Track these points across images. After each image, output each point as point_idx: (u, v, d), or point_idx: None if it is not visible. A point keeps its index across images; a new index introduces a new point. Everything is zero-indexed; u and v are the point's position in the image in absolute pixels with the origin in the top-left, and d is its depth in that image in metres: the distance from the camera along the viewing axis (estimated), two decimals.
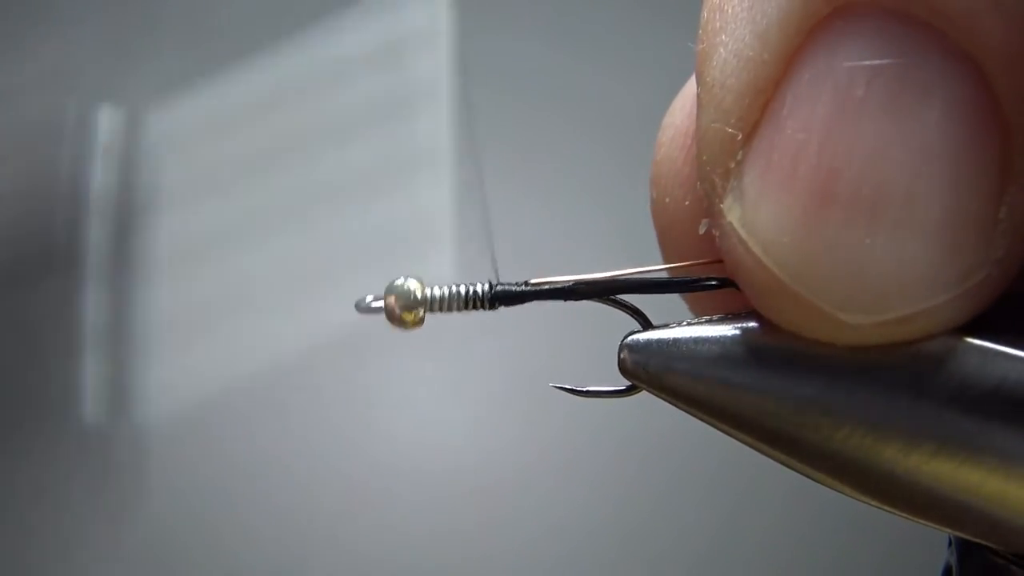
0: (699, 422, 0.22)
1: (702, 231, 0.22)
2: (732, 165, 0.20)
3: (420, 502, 0.82)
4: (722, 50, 0.20)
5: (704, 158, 0.21)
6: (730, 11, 0.20)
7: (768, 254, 0.19)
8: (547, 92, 0.88)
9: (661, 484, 0.82)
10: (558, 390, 0.25)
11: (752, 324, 0.21)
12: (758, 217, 0.19)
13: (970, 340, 0.20)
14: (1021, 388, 0.19)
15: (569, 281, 0.24)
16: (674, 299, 0.24)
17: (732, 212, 0.20)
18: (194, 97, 0.80)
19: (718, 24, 0.20)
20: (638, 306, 0.23)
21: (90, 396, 0.76)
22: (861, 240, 0.19)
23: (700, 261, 0.23)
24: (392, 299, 0.24)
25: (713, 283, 0.23)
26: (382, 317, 0.24)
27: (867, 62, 0.18)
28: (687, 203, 0.25)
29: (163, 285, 0.81)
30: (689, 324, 0.22)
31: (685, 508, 0.81)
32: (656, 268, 0.23)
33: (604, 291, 0.24)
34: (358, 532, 0.81)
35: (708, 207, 0.21)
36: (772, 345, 0.21)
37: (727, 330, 0.22)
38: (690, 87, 0.26)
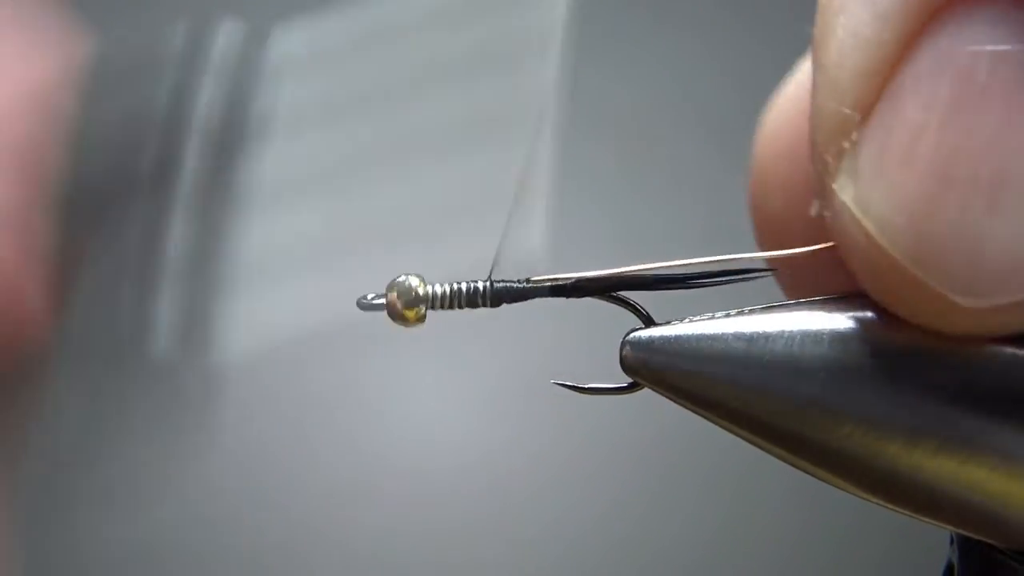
0: (701, 419, 0.22)
1: (813, 213, 0.21)
2: (846, 145, 0.20)
3: (421, 497, 0.82)
4: (840, 31, 0.20)
5: (818, 138, 0.21)
6: None
7: (883, 234, 0.19)
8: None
9: (663, 480, 0.82)
10: (560, 387, 0.25)
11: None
12: (873, 196, 0.19)
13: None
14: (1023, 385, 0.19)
15: (571, 278, 0.24)
16: (676, 296, 0.24)
17: (845, 191, 0.20)
18: (323, 19, 0.78)
19: (836, 5, 0.20)
20: (640, 303, 0.23)
21: (165, 331, 0.76)
22: (980, 222, 0.19)
23: (807, 248, 0.23)
24: (394, 296, 0.24)
25: (722, 277, 0.23)
26: (383, 314, 0.24)
27: (991, 47, 0.18)
28: (789, 206, 0.25)
29: (257, 221, 0.81)
30: (691, 321, 0.22)
31: (686, 505, 0.81)
32: (752, 256, 0.23)
33: (606, 288, 0.23)
34: (356, 525, 0.81)
35: (820, 188, 0.21)
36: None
37: (730, 326, 0.22)
38: (782, 96, 0.26)
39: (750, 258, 0.23)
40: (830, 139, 0.20)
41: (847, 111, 0.20)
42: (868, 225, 0.19)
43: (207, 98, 0.72)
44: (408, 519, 0.82)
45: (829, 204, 0.20)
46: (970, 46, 0.19)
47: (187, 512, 0.80)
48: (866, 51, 0.20)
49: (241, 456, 0.82)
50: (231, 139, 0.72)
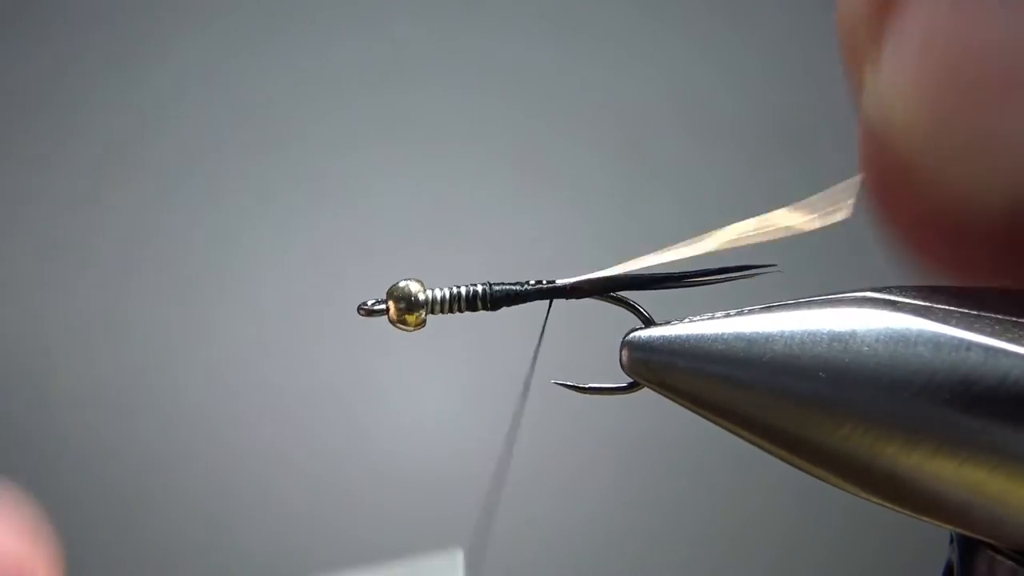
0: (701, 419, 0.22)
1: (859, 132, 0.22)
2: (869, 60, 0.21)
3: (419, 492, 0.82)
4: None
5: (846, 58, 0.21)
6: None
7: (904, 133, 0.20)
8: (545, 90, 0.88)
9: (663, 480, 0.82)
10: (560, 387, 0.25)
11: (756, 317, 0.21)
12: (894, 100, 0.20)
13: (971, 337, 0.20)
14: (1022, 386, 0.19)
15: (569, 279, 0.24)
16: (676, 296, 0.24)
17: (870, 99, 0.21)
18: None
19: None
20: (640, 303, 0.23)
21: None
22: (991, 117, 0.19)
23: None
24: (394, 302, 0.24)
25: (720, 275, 0.23)
26: (384, 319, 0.24)
27: None
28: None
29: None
30: (691, 321, 0.22)
31: (686, 504, 0.81)
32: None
33: (605, 288, 0.23)
34: (356, 522, 0.81)
35: (855, 104, 0.21)
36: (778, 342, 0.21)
37: (730, 326, 0.22)
38: None
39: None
40: (852, 57, 0.21)
41: (865, 27, 0.20)
42: (890, 126, 0.20)
43: None
44: (408, 513, 0.82)
45: (860, 119, 0.21)
46: None
47: (190, 505, 0.81)
48: None
49: (243, 449, 0.82)
50: None
